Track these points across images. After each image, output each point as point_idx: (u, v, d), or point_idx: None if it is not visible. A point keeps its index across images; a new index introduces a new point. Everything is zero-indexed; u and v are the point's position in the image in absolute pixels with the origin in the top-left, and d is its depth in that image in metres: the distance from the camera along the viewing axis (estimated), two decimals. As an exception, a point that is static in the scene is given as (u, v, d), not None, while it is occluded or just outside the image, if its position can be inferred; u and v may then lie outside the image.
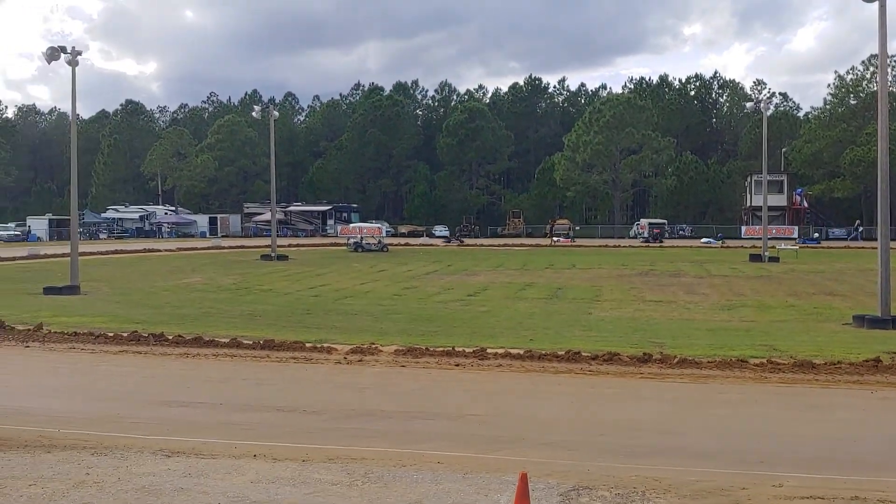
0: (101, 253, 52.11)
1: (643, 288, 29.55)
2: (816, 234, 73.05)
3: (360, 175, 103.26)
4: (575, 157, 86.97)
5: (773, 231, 66.38)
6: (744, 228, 77.47)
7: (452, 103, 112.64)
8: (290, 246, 60.41)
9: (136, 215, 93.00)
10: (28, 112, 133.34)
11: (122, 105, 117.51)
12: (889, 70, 76.73)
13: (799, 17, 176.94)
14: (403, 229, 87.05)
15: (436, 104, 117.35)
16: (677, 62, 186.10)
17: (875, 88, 66.18)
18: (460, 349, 15.53)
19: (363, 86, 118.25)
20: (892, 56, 70.25)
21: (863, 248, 58.65)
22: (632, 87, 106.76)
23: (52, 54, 28.29)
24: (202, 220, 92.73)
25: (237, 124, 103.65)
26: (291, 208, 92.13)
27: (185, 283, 32.70)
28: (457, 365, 14.58)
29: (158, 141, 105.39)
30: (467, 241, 73.97)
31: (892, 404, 12.11)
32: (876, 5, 20.23)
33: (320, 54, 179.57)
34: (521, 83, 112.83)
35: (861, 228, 74.47)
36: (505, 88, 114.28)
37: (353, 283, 32.37)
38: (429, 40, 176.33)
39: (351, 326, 19.50)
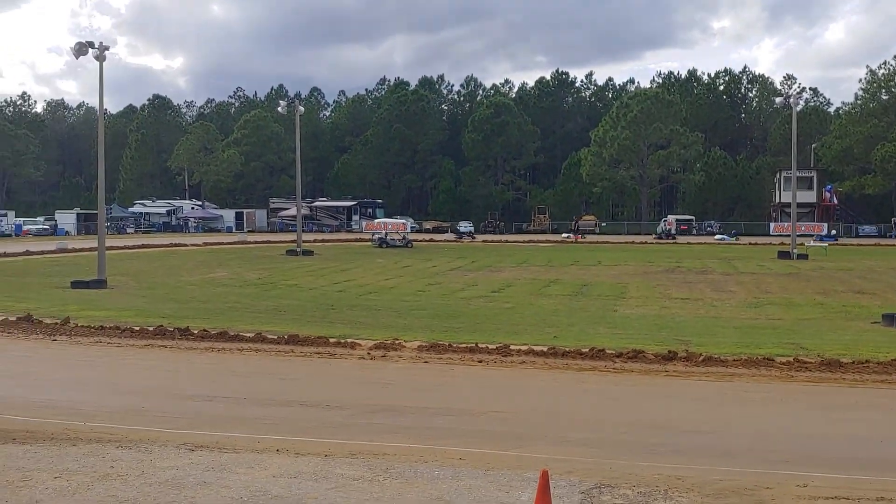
0: (128, 247, 52.54)
1: (669, 285, 29.37)
2: (834, 231, 71.89)
3: (384, 170, 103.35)
4: (602, 153, 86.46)
5: (803, 228, 65.72)
6: (772, 225, 76.72)
7: (478, 98, 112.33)
8: (315, 241, 60.62)
9: (163, 210, 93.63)
10: (57, 107, 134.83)
11: (149, 100, 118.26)
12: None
13: (830, 10, 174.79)
14: (428, 225, 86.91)
15: (461, 99, 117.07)
16: (706, 56, 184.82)
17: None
18: (484, 345, 15.51)
19: (389, 80, 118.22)
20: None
21: (893, 245, 57.93)
22: (660, 81, 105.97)
23: (80, 49, 28.57)
24: (228, 215, 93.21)
25: (263, 119, 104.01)
26: (317, 204, 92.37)
27: (211, 277, 32.92)
28: (480, 361, 14.56)
29: (185, 136, 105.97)
30: (478, 236, 73.89)
31: (921, 404, 11.94)
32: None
33: (346, 49, 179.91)
34: (548, 77, 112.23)
35: None
36: (531, 83, 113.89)
37: (377, 278, 32.43)
38: (455, 34, 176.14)
39: (375, 322, 19.54)
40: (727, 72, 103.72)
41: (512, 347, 15.33)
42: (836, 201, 78.85)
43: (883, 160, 74.28)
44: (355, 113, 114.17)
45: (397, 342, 15.97)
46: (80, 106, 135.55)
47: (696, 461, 8.76)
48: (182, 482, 7.86)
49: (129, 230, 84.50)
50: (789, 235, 49.58)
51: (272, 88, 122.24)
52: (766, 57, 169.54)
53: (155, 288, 28.59)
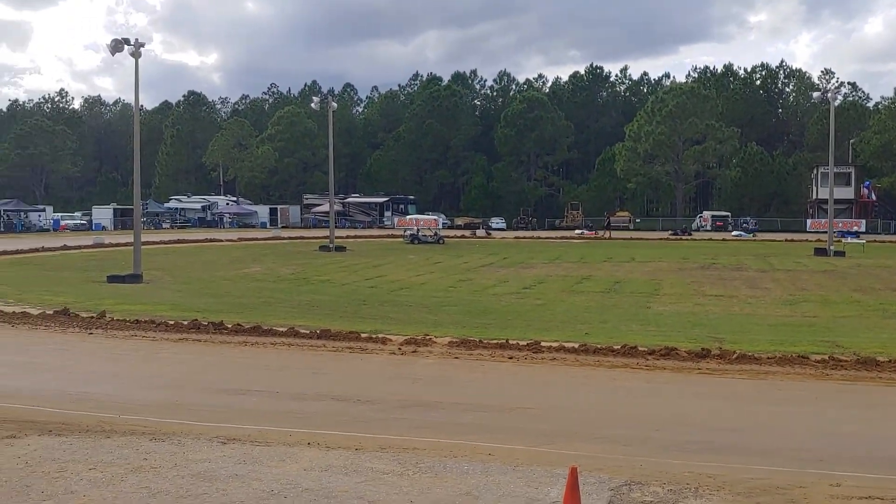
0: (164, 242, 53.17)
1: (704, 282, 29.11)
2: (856, 228, 70.55)
3: (417, 166, 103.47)
4: (637, 148, 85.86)
5: (840, 225, 64.80)
6: (809, 222, 75.82)
7: (511, 93, 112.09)
8: (347, 237, 60.86)
9: (198, 205, 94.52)
10: (94, 103, 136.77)
11: (184, 96, 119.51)
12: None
13: (869, 3, 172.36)
14: (460, 221, 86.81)
15: (494, 94, 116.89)
16: (742, 51, 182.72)
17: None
18: (514, 342, 15.48)
19: (421, 76, 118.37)
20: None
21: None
22: (695, 76, 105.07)
23: (116, 46, 28.95)
24: (262, 211, 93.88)
25: (297, 116, 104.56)
26: (349, 200, 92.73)
27: (245, 272, 33.19)
28: (510, 358, 14.53)
29: (220, 132, 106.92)
30: (509, 233, 73.90)
31: (959, 404, 11.74)
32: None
33: (379, 45, 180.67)
34: (582, 72, 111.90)
35: None
36: (565, 77, 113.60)
37: (408, 274, 32.50)
38: (488, 29, 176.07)
39: (405, 318, 19.59)
40: (764, 66, 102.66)
41: (543, 344, 15.28)
42: (874, 198, 77.65)
43: (923, 156, 73.09)
44: (388, 109, 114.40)
45: (428, 338, 15.99)
46: (116, 102, 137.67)
47: (727, 459, 8.68)
48: (214, 474, 7.95)
49: (164, 225, 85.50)
50: (825, 232, 48.97)
51: (305, 85, 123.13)
52: (803, 51, 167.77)
53: (190, 282, 28.89)
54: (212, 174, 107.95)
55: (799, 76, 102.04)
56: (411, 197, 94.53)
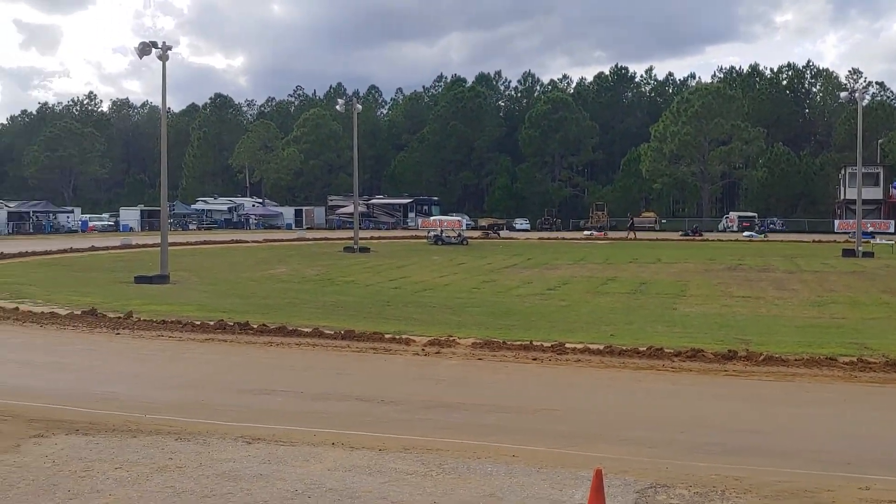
0: (191, 243, 53.54)
1: (731, 283, 28.89)
2: (871, 227, 69.39)
3: (441, 168, 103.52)
4: (662, 148, 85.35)
5: (868, 226, 64.01)
6: (836, 222, 75.04)
7: (535, 94, 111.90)
8: (371, 238, 61.02)
9: (225, 207, 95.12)
10: (121, 105, 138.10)
11: (210, 98, 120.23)
12: None
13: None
14: (483, 222, 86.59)
15: (518, 95, 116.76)
16: (769, 51, 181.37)
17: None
18: (538, 343, 15.43)
19: (446, 77, 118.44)
20: None
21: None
22: (721, 76, 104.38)
23: (144, 49, 29.21)
24: (288, 213, 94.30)
25: (322, 118, 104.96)
26: (374, 201, 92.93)
27: (271, 273, 33.34)
28: (534, 359, 14.48)
29: (246, 134, 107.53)
30: (533, 233, 73.63)
31: None
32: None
33: (404, 46, 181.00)
34: (607, 73, 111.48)
35: None
36: (590, 78, 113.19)
37: (432, 275, 32.51)
38: (512, 31, 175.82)
39: (429, 319, 19.60)
40: (790, 66, 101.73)
41: (567, 345, 15.22)
42: (903, 198, 76.77)
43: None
44: (412, 110, 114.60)
45: (451, 339, 15.98)
46: (143, 105, 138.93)
47: (754, 462, 8.60)
48: (239, 474, 7.98)
49: (191, 227, 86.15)
50: (852, 233, 48.42)
51: (331, 87, 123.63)
52: (830, 51, 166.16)
53: (216, 283, 29.08)
54: (238, 176, 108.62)
55: (826, 76, 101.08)
56: (435, 198, 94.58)
